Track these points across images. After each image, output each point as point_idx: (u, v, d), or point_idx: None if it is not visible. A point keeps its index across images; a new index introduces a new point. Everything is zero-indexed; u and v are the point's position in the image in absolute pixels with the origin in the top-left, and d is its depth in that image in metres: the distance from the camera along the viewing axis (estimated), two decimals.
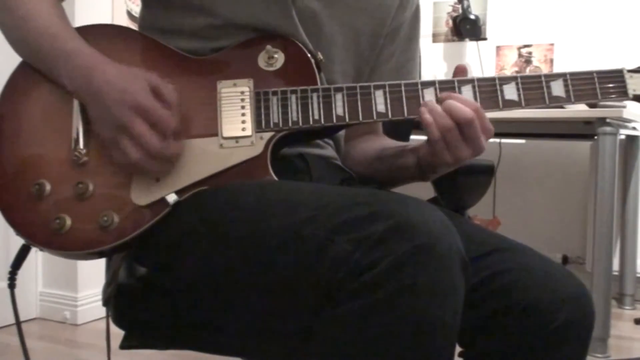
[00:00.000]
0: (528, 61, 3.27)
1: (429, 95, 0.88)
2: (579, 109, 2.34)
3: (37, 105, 0.90)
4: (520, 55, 3.28)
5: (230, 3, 0.94)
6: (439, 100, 0.86)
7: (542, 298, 0.82)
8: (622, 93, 0.88)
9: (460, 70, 0.91)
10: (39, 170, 0.87)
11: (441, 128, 0.85)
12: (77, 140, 0.87)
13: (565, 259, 3.10)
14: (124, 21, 2.72)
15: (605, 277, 2.25)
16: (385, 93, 0.88)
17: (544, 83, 0.88)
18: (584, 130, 2.45)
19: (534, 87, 0.88)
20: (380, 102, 0.88)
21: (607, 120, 2.25)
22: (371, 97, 0.88)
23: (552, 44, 3.23)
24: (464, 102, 0.85)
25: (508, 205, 3.18)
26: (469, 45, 3.37)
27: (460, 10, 3.17)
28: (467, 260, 0.71)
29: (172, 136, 0.83)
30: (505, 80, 0.88)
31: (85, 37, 0.91)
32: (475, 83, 0.88)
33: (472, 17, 3.15)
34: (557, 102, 0.88)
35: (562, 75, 0.88)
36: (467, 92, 0.88)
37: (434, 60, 3.45)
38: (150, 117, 0.82)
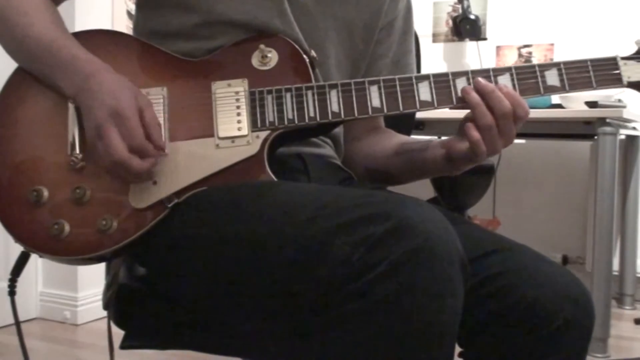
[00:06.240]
0: (528, 61, 3.27)
1: (423, 88, 0.88)
2: (579, 109, 2.33)
3: (32, 111, 0.90)
4: (520, 55, 3.28)
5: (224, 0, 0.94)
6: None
7: (541, 298, 0.82)
8: (617, 80, 0.88)
9: None
10: (36, 176, 0.87)
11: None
12: (73, 145, 0.87)
13: (565, 259, 3.09)
14: (124, 21, 2.72)
15: (605, 277, 2.25)
16: (380, 88, 0.88)
17: (538, 73, 0.88)
18: (584, 130, 2.44)
19: (528, 77, 0.88)
20: (375, 97, 0.88)
21: (607, 120, 2.24)
22: (366, 93, 0.88)
23: (552, 44, 3.23)
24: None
25: (508, 205, 3.18)
26: (469, 45, 3.37)
27: (460, 10, 3.17)
28: (466, 261, 0.71)
29: (137, 153, 0.82)
30: (499, 71, 0.88)
31: (80, 44, 0.90)
32: (470, 75, 0.88)
33: (472, 17, 3.15)
34: (552, 92, 0.88)
35: (556, 65, 0.88)
36: (461, 84, 0.88)
37: (434, 60, 3.45)
38: (123, 126, 0.82)
